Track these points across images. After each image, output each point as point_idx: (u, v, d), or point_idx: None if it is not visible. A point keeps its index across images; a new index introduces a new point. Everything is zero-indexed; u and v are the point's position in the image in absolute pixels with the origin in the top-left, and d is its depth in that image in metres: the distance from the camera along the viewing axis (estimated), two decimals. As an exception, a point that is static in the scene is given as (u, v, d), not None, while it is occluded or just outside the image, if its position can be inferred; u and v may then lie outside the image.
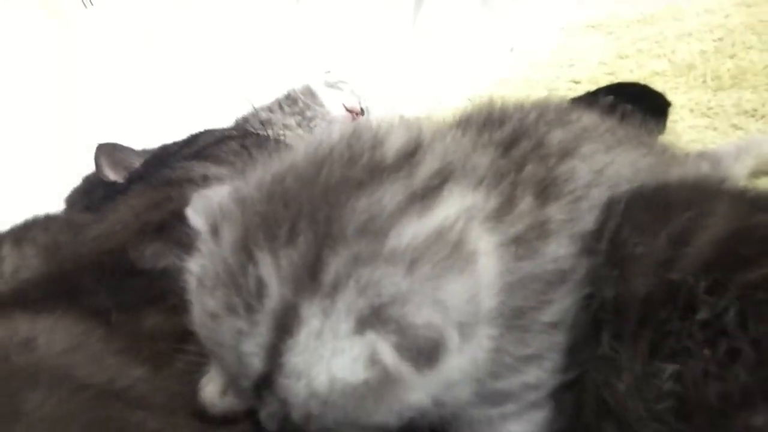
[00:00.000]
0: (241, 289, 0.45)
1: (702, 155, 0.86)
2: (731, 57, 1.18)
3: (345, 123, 1.13)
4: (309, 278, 0.42)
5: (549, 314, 0.49)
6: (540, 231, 0.50)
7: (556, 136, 0.60)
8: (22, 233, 0.90)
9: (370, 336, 0.41)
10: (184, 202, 0.84)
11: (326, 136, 0.54)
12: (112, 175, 1.00)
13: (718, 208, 0.51)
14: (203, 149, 1.03)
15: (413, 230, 0.44)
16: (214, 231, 0.48)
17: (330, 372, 0.42)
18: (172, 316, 0.62)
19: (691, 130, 1.06)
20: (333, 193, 0.47)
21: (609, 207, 0.55)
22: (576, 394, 0.51)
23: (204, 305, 0.47)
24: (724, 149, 0.90)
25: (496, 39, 1.21)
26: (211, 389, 0.53)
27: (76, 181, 1.07)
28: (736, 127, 1.04)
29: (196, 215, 0.52)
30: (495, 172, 0.52)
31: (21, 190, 0.95)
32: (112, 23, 0.98)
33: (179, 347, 0.57)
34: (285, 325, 0.43)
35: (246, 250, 0.45)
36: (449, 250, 0.44)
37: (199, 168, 1.00)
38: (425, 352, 0.41)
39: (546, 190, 0.54)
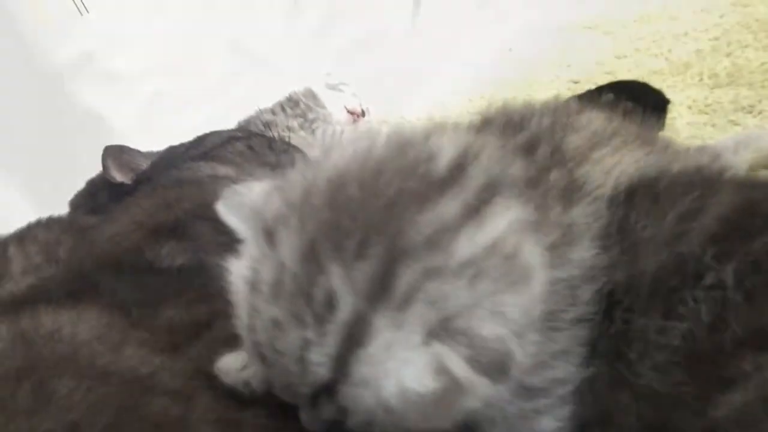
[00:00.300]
0: (310, 299, 0.45)
1: (702, 150, 0.88)
2: (727, 55, 1.20)
3: (348, 125, 1.15)
4: (381, 291, 0.43)
5: (574, 312, 0.51)
6: (568, 237, 0.52)
7: (573, 142, 0.62)
8: (25, 233, 0.92)
9: (439, 347, 0.42)
10: (196, 201, 0.86)
11: (373, 141, 0.54)
12: (119, 177, 1.02)
13: (721, 189, 0.53)
14: (210, 150, 1.05)
15: (472, 244, 0.45)
16: (269, 236, 0.48)
17: (399, 382, 0.43)
18: (189, 310, 0.64)
19: (690, 127, 1.09)
20: (398, 206, 0.48)
21: (612, 200, 0.57)
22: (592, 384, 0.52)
23: (263, 312, 0.47)
24: (723, 143, 0.92)
25: (494, 40, 1.22)
26: (229, 360, 0.54)
27: (79, 184, 1.08)
28: (733, 123, 1.07)
29: (230, 214, 0.52)
30: (527, 181, 0.53)
31: (23, 193, 0.96)
32: (108, 29, 0.99)
33: (195, 336, 0.59)
34: (355, 336, 0.44)
35: (315, 261, 0.46)
36: (505, 264, 0.45)
37: (206, 168, 1.03)
38: (497, 365, 0.43)
39: (569, 196, 0.56)
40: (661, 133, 0.94)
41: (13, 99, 0.80)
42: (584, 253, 0.52)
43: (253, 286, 0.48)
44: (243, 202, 0.53)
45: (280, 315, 0.46)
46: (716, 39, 1.26)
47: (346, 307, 0.44)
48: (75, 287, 0.66)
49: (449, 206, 0.48)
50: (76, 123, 0.94)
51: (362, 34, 1.00)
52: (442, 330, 0.43)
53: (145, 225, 0.82)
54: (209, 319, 0.62)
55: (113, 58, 0.88)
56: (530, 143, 0.60)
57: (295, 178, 0.52)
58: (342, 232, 0.46)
